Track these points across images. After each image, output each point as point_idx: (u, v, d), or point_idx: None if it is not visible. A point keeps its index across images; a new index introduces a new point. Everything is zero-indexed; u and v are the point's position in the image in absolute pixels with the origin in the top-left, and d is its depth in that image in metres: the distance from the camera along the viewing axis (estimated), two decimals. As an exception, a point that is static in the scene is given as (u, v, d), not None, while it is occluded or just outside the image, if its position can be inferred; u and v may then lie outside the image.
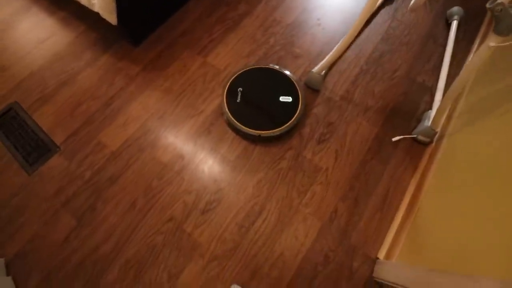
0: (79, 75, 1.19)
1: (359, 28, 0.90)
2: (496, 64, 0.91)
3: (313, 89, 1.13)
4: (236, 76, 1.10)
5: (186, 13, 1.32)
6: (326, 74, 1.16)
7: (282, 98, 1.05)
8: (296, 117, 1.02)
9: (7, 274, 0.87)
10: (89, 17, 1.25)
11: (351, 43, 1.24)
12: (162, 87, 1.15)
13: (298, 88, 1.07)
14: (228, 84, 1.08)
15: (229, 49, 1.23)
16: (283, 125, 1.01)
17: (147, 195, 0.96)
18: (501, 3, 0.54)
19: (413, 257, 0.76)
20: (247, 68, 1.12)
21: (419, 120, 1.08)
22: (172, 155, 1.02)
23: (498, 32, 0.59)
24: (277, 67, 1.11)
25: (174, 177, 0.99)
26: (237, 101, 1.05)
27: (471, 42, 1.24)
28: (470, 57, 1.20)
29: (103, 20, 1.11)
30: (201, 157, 1.02)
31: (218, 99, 1.12)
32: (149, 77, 1.17)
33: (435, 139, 1.03)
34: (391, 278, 0.77)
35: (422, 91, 1.14)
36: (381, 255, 0.88)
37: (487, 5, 0.56)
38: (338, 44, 0.97)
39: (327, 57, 1.03)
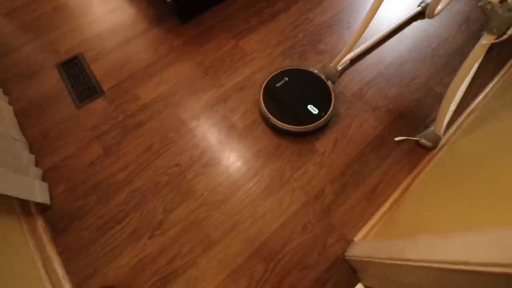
0: (133, 40, 1.41)
1: (369, 22, 0.96)
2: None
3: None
4: (284, 70, 1.18)
5: (230, 3, 1.50)
6: (343, 70, 1.23)
7: (310, 107, 1.08)
8: (307, 127, 1.05)
9: (43, 181, 1.07)
10: (151, -4, 1.50)
11: (373, 45, 1.30)
12: (196, 59, 1.33)
13: (332, 104, 1.09)
14: (277, 72, 1.18)
15: (260, 37, 1.37)
16: (298, 125, 1.05)
17: (162, 142, 1.12)
18: (489, 2, 0.59)
19: (380, 237, 0.79)
20: (296, 68, 1.19)
21: (427, 127, 1.09)
22: (191, 115, 1.17)
23: (488, 31, 0.63)
24: (323, 76, 1.16)
25: (188, 133, 1.13)
26: (276, 85, 1.14)
27: (501, 65, 1.23)
28: (496, 79, 1.19)
29: (161, -3, 1.33)
30: (214, 120, 1.16)
31: (239, 77, 1.26)
32: (187, 50, 1.36)
33: (439, 146, 1.04)
34: (357, 253, 0.81)
35: (436, 101, 1.16)
36: (357, 238, 0.91)
37: (479, 4, 0.61)
38: (351, 39, 1.05)
39: (341, 52, 1.11)
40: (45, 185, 1.04)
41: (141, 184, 1.04)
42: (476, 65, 1.19)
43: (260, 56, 1.31)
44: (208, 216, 0.97)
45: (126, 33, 1.44)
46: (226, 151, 1.09)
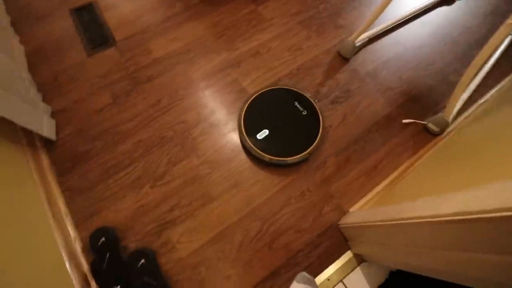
0: (149, -6, 1.37)
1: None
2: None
3: (343, 57, 1.20)
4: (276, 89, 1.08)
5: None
6: (361, 47, 1.21)
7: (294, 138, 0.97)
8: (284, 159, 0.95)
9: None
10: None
11: (394, 26, 1.27)
12: (212, 20, 1.30)
13: (315, 143, 0.98)
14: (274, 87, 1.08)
15: (279, 4, 1.34)
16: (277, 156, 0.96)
17: (171, 98, 1.12)
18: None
19: (375, 206, 0.82)
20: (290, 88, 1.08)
21: (435, 113, 1.09)
22: (201, 74, 1.17)
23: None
24: (317, 106, 1.04)
25: (197, 92, 1.13)
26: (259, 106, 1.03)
27: (521, 61, 1.21)
28: (513, 74, 1.17)
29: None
30: (224, 83, 1.15)
31: (255, 42, 1.24)
32: (204, 9, 1.33)
33: (445, 132, 1.05)
34: (351, 220, 0.84)
35: (449, 89, 1.14)
36: (352, 210, 0.94)
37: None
38: (371, 15, 1.02)
39: (361, 27, 1.08)
40: (53, 121, 1.05)
41: (147, 136, 1.05)
42: (495, 56, 1.17)
43: (278, 24, 1.28)
44: (210, 174, 0.99)
45: (142, -15, 1.40)
46: (234, 114, 1.09)
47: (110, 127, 1.07)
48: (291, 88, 1.08)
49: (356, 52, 1.21)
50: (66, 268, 0.83)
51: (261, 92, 1.07)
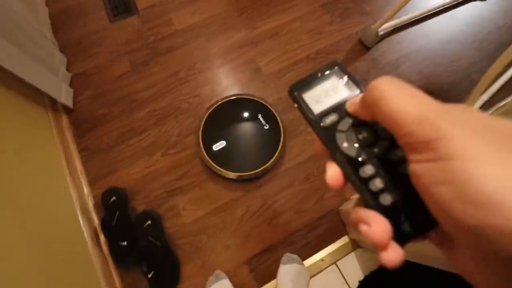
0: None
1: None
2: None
3: (365, 45, 1.17)
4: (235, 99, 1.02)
5: None
6: (384, 36, 1.18)
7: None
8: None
9: (70, 85, 1.12)
10: None
11: (422, 17, 1.23)
12: (234, -4, 1.29)
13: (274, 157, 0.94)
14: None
15: (305, -15, 1.30)
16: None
17: (189, 71, 1.13)
18: None
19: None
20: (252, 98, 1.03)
21: (452, 111, 1.07)
22: (219, 51, 1.17)
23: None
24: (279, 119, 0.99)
25: (214, 68, 1.14)
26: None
27: (552, 66, 1.15)
28: (541, 79, 1.12)
29: None
30: (241, 61, 1.16)
31: (275, 23, 1.22)
32: (228, -15, 1.31)
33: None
34: (352, 206, 0.86)
35: (470, 88, 1.11)
36: (354, 197, 0.96)
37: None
38: (398, 3, 0.99)
39: (386, 15, 1.05)
40: (71, 90, 1.09)
41: (163, 105, 1.08)
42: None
43: (300, 5, 1.26)
44: (219, 148, 1.02)
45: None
46: (249, 93, 1.10)
47: (127, 94, 1.10)
48: (257, 99, 1.02)
49: (379, 41, 1.18)
50: (79, 221, 0.90)
51: (226, 100, 1.01)
